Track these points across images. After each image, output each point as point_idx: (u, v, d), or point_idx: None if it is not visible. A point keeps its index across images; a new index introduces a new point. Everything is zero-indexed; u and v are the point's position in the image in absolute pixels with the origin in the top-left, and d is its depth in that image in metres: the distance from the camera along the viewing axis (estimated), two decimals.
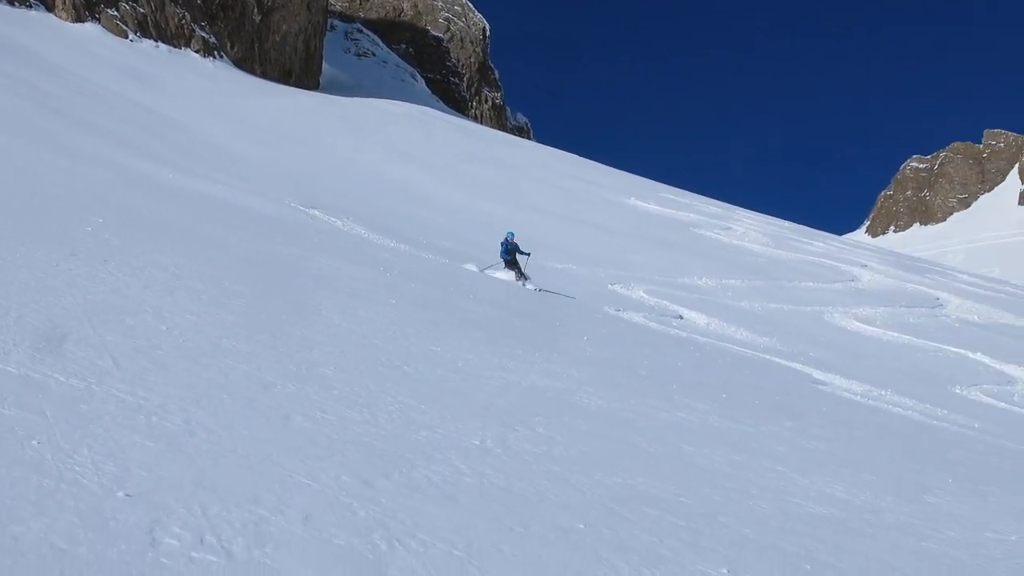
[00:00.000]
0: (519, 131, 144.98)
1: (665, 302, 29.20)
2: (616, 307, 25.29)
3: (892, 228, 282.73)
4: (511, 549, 5.84)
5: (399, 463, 7.01)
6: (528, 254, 26.44)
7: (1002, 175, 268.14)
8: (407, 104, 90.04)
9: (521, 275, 25.89)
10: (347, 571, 4.95)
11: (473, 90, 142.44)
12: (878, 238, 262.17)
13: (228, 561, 4.67)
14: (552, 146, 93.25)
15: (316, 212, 28.16)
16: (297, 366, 9.26)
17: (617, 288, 30.00)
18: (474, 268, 25.41)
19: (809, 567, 7.09)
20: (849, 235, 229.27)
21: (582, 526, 6.64)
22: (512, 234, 26.77)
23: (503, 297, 21.44)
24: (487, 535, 5.97)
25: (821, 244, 59.29)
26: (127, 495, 5.15)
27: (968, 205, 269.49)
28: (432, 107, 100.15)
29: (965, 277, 59.87)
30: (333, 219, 27.64)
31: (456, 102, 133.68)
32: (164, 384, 7.46)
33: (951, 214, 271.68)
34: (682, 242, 47.42)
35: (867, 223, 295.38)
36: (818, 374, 21.91)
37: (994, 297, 48.20)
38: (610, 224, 47.99)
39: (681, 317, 27.40)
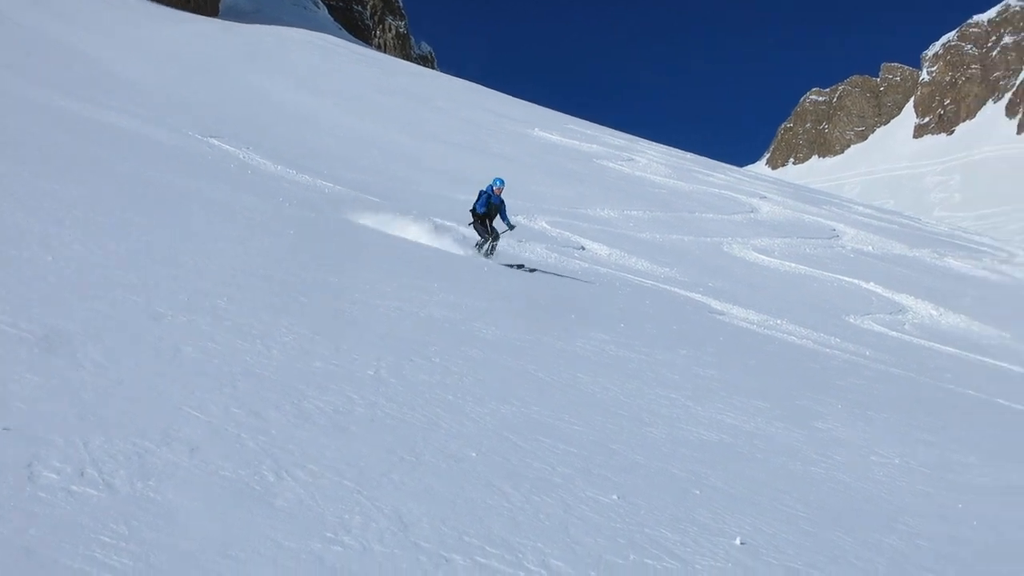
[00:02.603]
0: (423, 60, 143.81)
1: (567, 233, 29.32)
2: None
3: (792, 160, 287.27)
4: (401, 478, 5.85)
5: (290, 394, 6.96)
6: (513, 227, 21.30)
7: (898, 108, 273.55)
8: (309, 32, 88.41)
9: (491, 241, 20.50)
10: (233, 502, 4.91)
11: (376, 18, 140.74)
12: (778, 170, 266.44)
13: (109, 494, 4.61)
14: (456, 76, 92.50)
15: (215, 141, 27.64)
16: (189, 297, 9.10)
17: (519, 219, 30.00)
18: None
19: (698, 492, 7.24)
20: (750, 167, 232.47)
21: (474, 454, 6.68)
22: (501, 182, 21.12)
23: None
24: (377, 465, 5.97)
25: (722, 176, 59.90)
26: (5, 428, 5.03)
27: (865, 138, 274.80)
28: (334, 35, 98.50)
29: (860, 209, 61.24)
30: (233, 149, 27.17)
31: (359, 30, 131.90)
32: (49, 316, 7.29)
33: (849, 146, 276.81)
34: (585, 173, 47.53)
35: (767, 155, 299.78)
36: (716, 304, 22.28)
37: (888, 228, 49.39)
38: (514, 155, 47.88)
39: (583, 248, 27.57)
